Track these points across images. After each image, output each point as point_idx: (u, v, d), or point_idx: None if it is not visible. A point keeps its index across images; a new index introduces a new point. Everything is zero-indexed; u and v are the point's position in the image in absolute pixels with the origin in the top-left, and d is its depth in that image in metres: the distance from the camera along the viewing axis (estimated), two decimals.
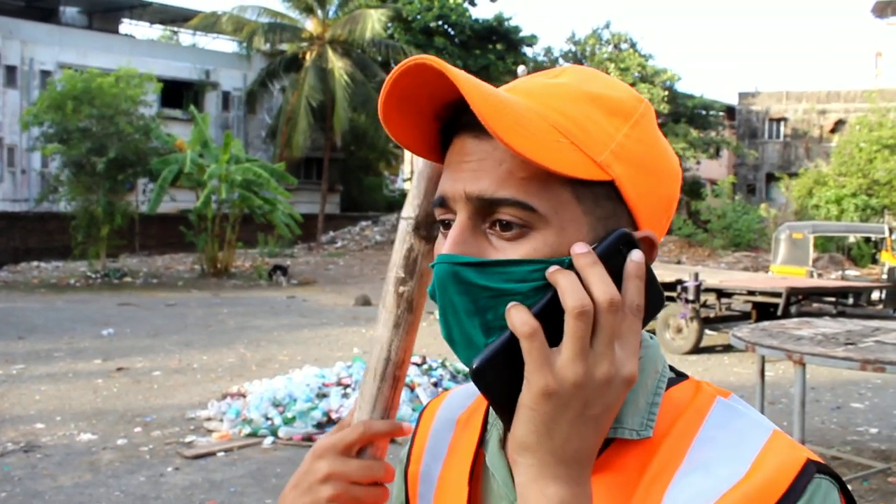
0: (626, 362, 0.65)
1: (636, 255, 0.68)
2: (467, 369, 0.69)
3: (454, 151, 0.72)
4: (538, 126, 0.67)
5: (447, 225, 0.73)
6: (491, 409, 0.81)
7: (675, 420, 0.73)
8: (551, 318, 0.65)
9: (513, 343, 0.66)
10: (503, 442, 0.78)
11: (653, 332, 11.39)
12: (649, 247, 0.72)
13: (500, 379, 0.66)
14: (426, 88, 0.70)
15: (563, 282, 0.65)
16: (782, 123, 41.70)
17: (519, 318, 0.64)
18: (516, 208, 0.68)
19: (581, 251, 0.66)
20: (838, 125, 39.18)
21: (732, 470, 0.68)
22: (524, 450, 0.66)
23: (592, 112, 0.70)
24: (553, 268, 0.67)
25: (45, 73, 27.88)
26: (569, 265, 0.67)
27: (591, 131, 0.69)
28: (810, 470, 0.68)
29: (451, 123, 0.73)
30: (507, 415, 0.67)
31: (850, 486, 5.45)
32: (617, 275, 0.67)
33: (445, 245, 0.70)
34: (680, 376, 0.79)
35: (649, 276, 0.69)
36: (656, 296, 0.70)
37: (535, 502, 0.65)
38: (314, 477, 0.79)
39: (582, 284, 0.65)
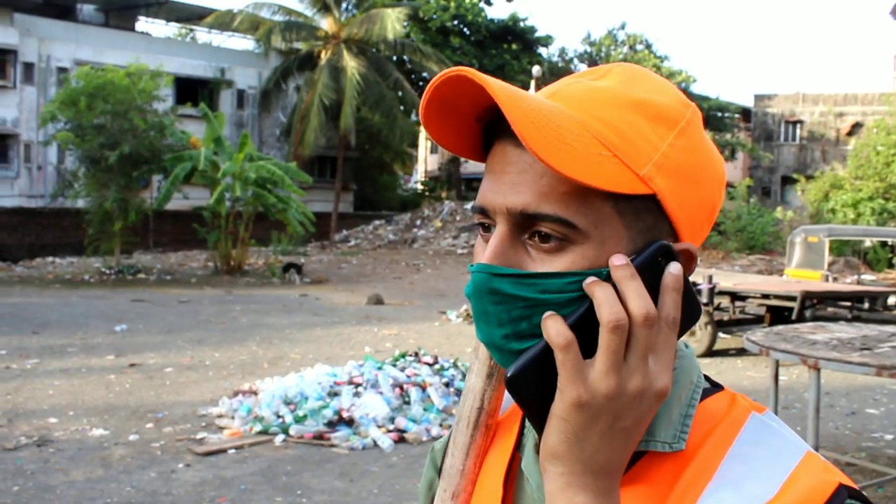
0: (660, 376, 0.66)
1: (674, 268, 0.68)
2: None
3: (495, 159, 0.72)
4: (580, 139, 0.66)
5: (486, 227, 0.73)
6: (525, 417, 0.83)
7: (709, 433, 0.73)
8: (586, 329, 0.66)
9: (547, 353, 0.66)
10: (538, 447, 0.78)
11: None
12: (688, 259, 0.72)
13: (533, 388, 0.67)
14: (467, 95, 0.70)
15: (599, 294, 0.65)
16: (798, 126, 41.48)
17: (555, 329, 0.65)
18: (557, 224, 0.68)
19: (619, 263, 0.66)
20: (855, 128, 38.94)
21: (763, 489, 0.68)
22: (555, 458, 0.67)
23: (637, 120, 0.69)
24: (590, 279, 0.67)
25: (62, 71, 28.04)
26: (606, 277, 0.67)
27: (634, 142, 0.68)
28: (842, 495, 0.67)
29: (493, 125, 0.73)
30: (539, 422, 0.68)
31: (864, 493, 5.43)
32: (654, 287, 0.67)
33: (485, 255, 0.70)
34: (715, 387, 0.78)
35: (686, 289, 0.69)
36: (693, 308, 0.70)
37: None
38: None
39: (619, 297, 0.66)
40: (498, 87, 0.65)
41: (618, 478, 0.67)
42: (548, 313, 0.66)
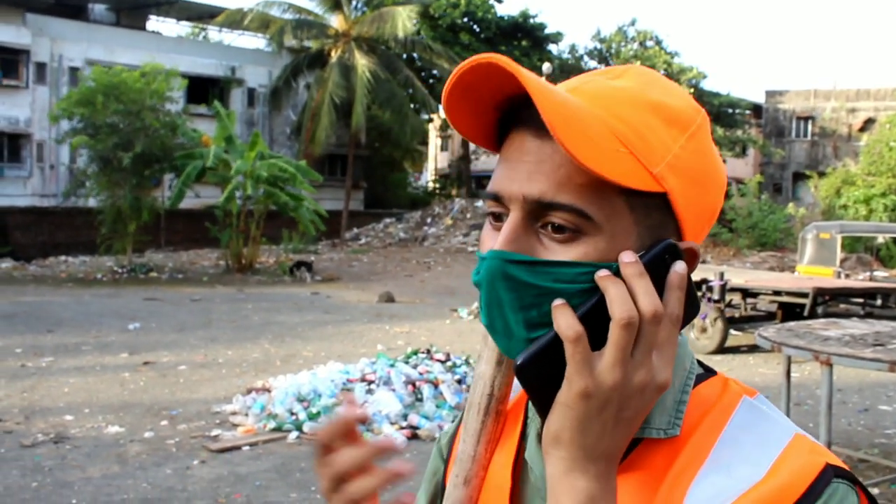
0: (662, 370, 0.68)
1: (680, 267, 0.70)
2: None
3: (513, 147, 0.73)
4: (601, 135, 0.68)
5: (497, 217, 0.74)
6: (528, 407, 0.84)
7: (702, 418, 0.76)
8: (595, 321, 0.68)
9: (556, 343, 0.68)
10: (540, 437, 0.79)
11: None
12: (691, 257, 0.74)
13: (540, 376, 0.69)
14: (489, 83, 0.71)
15: (612, 290, 0.67)
16: (810, 122, 41.28)
17: (565, 322, 0.67)
18: (572, 214, 0.69)
19: (629, 260, 0.68)
20: (867, 124, 38.72)
21: (752, 471, 0.71)
22: (557, 443, 0.69)
23: (652, 121, 0.72)
24: (603, 273, 0.68)
25: (74, 70, 28.20)
26: (615, 271, 0.69)
27: (650, 141, 0.71)
28: (828, 474, 0.70)
29: (510, 115, 0.74)
30: (543, 409, 0.70)
31: (877, 490, 5.38)
32: (660, 283, 0.70)
33: (498, 241, 0.71)
34: (708, 372, 0.81)
35: (689, 286, 0.72)
36: (693, 304, 0.73)
37: (565, 494, 0.69)
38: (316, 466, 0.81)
39: (630, 293, 0.68)
40: (530, 78, 0.66)
41: (616, 463, 0.70)
42: (558, 302, 0.68)
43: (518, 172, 0.71)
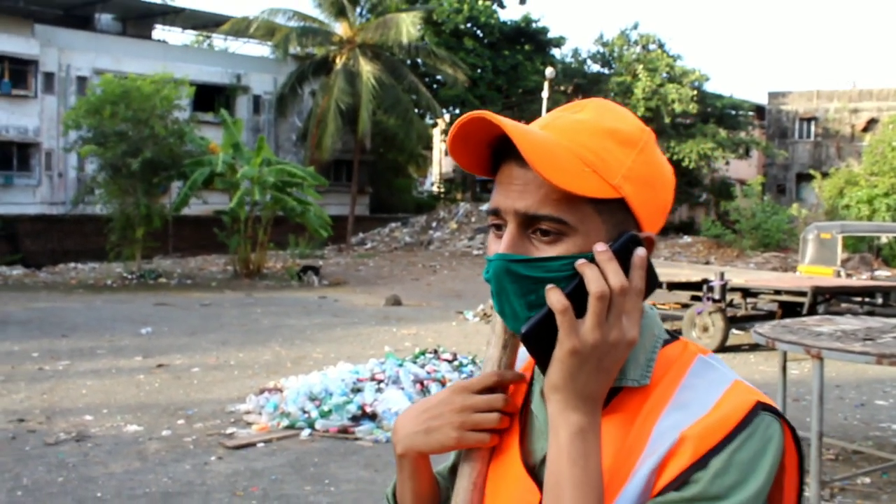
0: (631, 330, 0.91)
1: (641, 252, 0.92)
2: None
3: (504, 174, 0.97)
4: (569, 161, 0.91)
5: (498, 227, 0.98)
6: (534, 372, 1.08)
7: (666, 371, 0.98)
8: (577, 297, 0.91)
9: (550, 315, 0.92)
10: (542, 394, 1.03)
11: (679, 331, 11.59)
12: (650, 244, 0.96)
13: (540, 340, 0.93)
14: (482, 130, 0.95)
15: (588, 272, 0.90)
16: (813, 123, 41.42)
17: (555, 298, 0.90)
18: (553, 222, 0.92)
19: (601, 249, 0.91)
20: (870, 124, 38.86)
21: (701, 407, 0.93)
22: (555, 390, 0.92)
23: (609, 144, 0.94)
24: (581, 261, 0.91)
25: (82, 80, 28.51)
26: (592, 259, 0.91)
27: (607, 160, 0.93)
28: (758, 408, 0.91)
29: (500, 150, 0.98)
30: (544, 365, 0.94)
31: (868, 479, 5.57)
32: (626, 265, 0.92)
33: (501, 246, 0.95)
34: (673, 337, 1.04)
35: (649, 266, 0.95)
36: (653, 280, 0.96)
37: (562, 427, 0.92)
38: (450, 407, 1.04)
39: (601, 274, 0.90)
40: (512, 126, 0.90)
41: (600, 403, 0.93)
42: (549, 286, 0.91)
43: (510, 193, 0.94)
